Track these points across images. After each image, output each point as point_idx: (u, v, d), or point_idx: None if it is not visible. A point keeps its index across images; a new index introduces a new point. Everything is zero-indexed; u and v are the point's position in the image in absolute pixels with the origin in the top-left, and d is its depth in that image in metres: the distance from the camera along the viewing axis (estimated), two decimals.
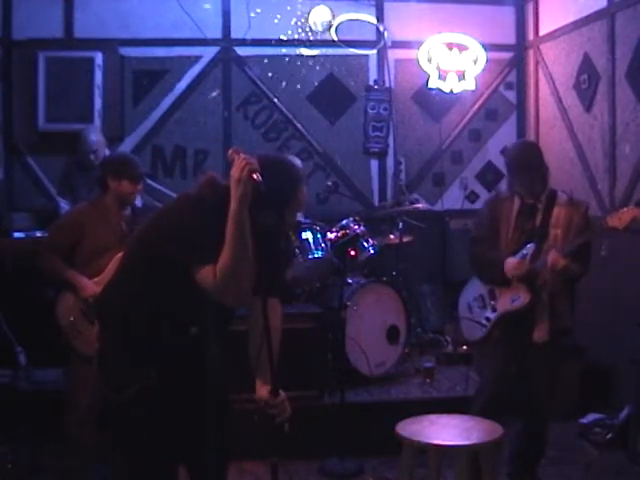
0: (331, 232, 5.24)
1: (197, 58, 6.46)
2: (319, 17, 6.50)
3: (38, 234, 5.57)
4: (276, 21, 6.50)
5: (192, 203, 2.50)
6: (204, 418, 2.51)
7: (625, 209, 3.65)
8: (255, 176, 2.34)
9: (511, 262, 3.77)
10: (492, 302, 3.95)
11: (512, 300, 3.84)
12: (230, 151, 2.42)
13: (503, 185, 6.23)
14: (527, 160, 3.83)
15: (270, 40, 6.49)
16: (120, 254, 3.88)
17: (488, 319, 3.95)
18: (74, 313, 3.91)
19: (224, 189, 2.44)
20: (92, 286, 3.89)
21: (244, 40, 6.47)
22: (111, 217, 4.04)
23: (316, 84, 6.61)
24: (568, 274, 3.72)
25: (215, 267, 2.34)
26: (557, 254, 3.64)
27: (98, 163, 4.26)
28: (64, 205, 5.54)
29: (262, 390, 2.61)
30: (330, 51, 6.59)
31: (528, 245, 3.78)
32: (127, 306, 2.54)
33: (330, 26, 6.53)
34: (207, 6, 6.40)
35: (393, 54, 6.68)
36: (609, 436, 4.61)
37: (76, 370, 3.97)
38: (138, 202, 4.44)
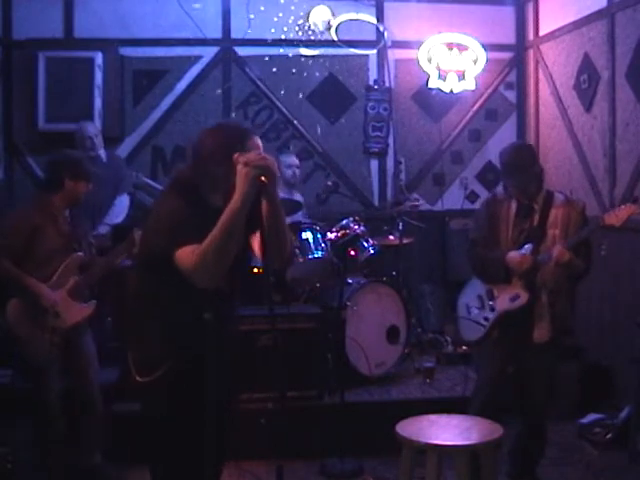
0: (331, 232, 5.24)
1: (197, 58, 6.46)
2: (319, 17, 6.50)
3: None
4: (276, 21, 6.50)
5: (168, 194, 2.63)
6: (217, 413, 2.56)
7: (622, 206, 3.69)
8: (263, 178, 2.40)
9: (514, 256, 3.78)
10: (490, 302, 3.95)
11: (511, 299, 3.85)
12: (235, 155, 2.47)
13: None
14: (520, 162, 3.84)
15: (270, 40, 6.50)
16: (69, 259, 3.89)
17: (487, 319, 3.95)
18: (24, 320, 3.86)
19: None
20: (53, 294, 3.86)
21: (244, 40, 6.47)
22: (59, 219, 3.97)
23: (316, 84, 6.61)
24: (573, 269, 3.73)
25: (193, 248, 2.41)
26: (562, 247, 3.65)
27: (50, 162, 4.14)
28: None
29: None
30: (330, 51, 6.59)
31: (526, 246, 3.79)
32: (144, 296, 2.65)
33: (330, 26, 6.53)
34: None
35: (393, 54, 6.68)
36: (609, 436, 4.60)
37: (35, 373, 3.95)
38: None
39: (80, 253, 4.00)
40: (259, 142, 2.61)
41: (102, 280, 4.14)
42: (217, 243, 2.39)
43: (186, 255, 2.42)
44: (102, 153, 5.64)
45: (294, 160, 5.96)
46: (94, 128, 5.67)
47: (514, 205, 3.90)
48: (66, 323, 3.90)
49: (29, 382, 4.10)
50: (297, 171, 5.95)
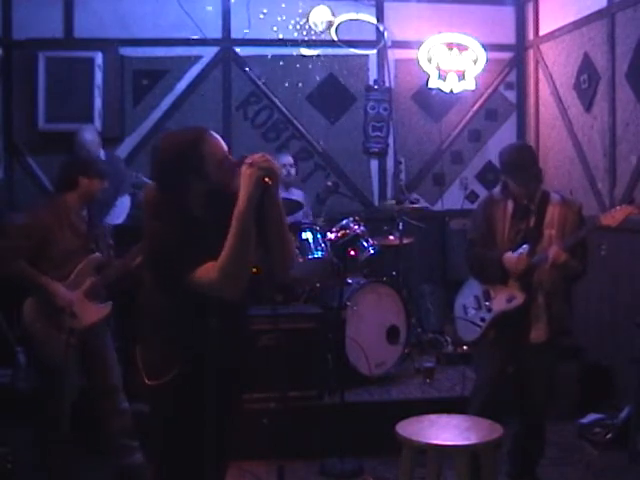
0: (331, 232, 5.24)
1: (197, 58, 6.47)
2: (319, 17, 6.51)
3: None
4: (276, 21, 6.50)
5: (152, 219, 2.58)
6: (220, 417, 2.55)
7: (618, 207, 3.71)
8: (266, 179, 2.40)
9: (511, 257, 3.78)
10: (487, 303, 3.96)
11: (507, 300, 3.85)
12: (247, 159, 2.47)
13: None
14: (521, 161, 3.84)
15: (270, 40, 6.50)
16: (86, 260, 3.88)
17: (483, 319, 3.96)
18: (40, 320, 3.86)
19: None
20: (69, 294, 3.85)
21: (244, 40, 6.47)
22: (73, 219, 3.96)
23: (316, 84, 6.61)
24: (568, 269, 3.73)
25: (209, 266, 2.39)
26: (558, 248, 3.65)
27: (63, 163, 4.19)
28: None
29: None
30: (330, 51, 6.59)
31: (523, 246, 3.79)
32: (152, 305, 2.62)
33: (330, 26, 6.53)
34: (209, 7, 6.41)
35: (393, 54, 6.68)
36: (609, 436, 4.60)
37: (49, 373, 3.95)
38: None
39: (98, 254, 4.00)
40: (217, 141, 2.57)
41: (116, 281, 4.14)
42: (234, 251, 2.38)
43: (205, 274, 2.41)
44: (101, 154, 5.64)
45: (288, 159, 5.97)
46: (91, 134, 5.61)
47: (510, 205, 3.90)
48: (82, 324, 3.89)
49: (42, 382, 4.07)
50: (292, 170, 5.95)
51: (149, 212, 2.64)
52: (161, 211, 2.55)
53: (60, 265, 3.88)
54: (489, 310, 3.93)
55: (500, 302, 3.89)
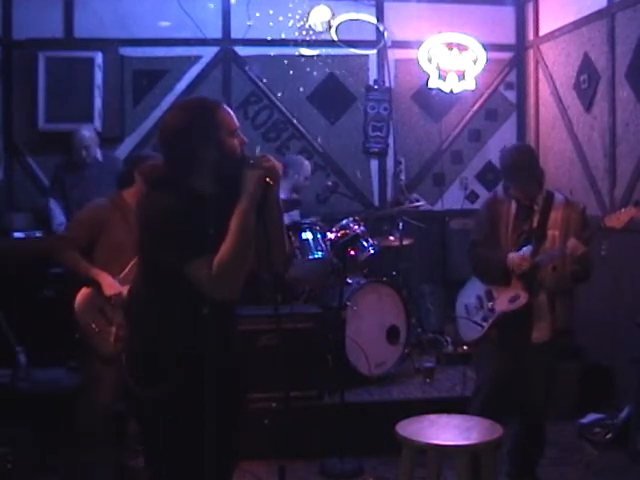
0: (331, 232, 5.24)
1: (197, 58, 6.47)
2: (319, 17, 6.50)
3: (38, 234, 5.58)
4: (276, 21, 6.50)
5: (153, 195, 2.51)
6: (225, 418, 2.54)
7: (623, 210, 3.70)
8: (267, 179, 2.42)
9: (514, 257, 3.78)
10: (490, 303, 3.96)
11: (510, 300, 3.85)
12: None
13: None
14: (520, 162, 3.85)
15: (270, 40, 6.50)
16: None
17: (485, 319, 3.96)
18: (92, 312, 3.86)
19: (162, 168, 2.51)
20: (116, 285, 3.84)
21: (244, 40, 6.47)
22: (130, 214, 3.99)
23: (316, 84, 6.61)
24: (586, 263, 3.73)
25: (207, 261, 2.35)
26: (576, 241, 3.64)
27: (125, 160, 4.24)
28: (53, 205, 5.55)
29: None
30: (330, 51, 6.59)
31: (526, 247, 3.79)
32: (145, 300, 2.55)
33: (330, 26, 6.53)
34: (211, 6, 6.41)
35: (393, 54, 6.68)
36: (609, 436, 4.60)
37: (92, 369, 3.94)
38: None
39: None
40: (230, 112, 2.53)
41: None
42: (234, 249, 2.36)
43: (201, 268, 2.35)
44: (98, 154, 5.64)
45: (307, 171, 5.95)
46: (89, 133, 5.62)
47: (514, 206, 3.90)
48: None
49: (88, 376, 4.04)
50: (303, 181, 5.96)
51: (147, 189, 2.57)
52: (161, 188, 2.47)
53: (114, 260, 3.88)
54: (492, 310, 3.93)
55: (503, 302, 3.89)
